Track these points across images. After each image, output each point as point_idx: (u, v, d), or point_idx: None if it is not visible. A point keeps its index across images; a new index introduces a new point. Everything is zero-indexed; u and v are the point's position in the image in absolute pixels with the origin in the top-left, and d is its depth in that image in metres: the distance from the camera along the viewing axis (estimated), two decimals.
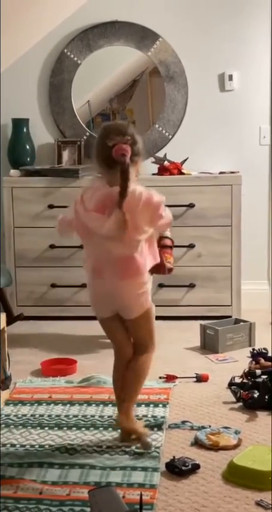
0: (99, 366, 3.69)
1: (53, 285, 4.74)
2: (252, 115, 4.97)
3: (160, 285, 4.63)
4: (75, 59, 4.99)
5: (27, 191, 4.71)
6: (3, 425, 3.01)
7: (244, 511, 2.31)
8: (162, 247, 3.81)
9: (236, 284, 4.66)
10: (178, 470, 2.55)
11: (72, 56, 4.99)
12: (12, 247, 4.73)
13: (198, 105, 4.98)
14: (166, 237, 3.85)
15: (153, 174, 4.80)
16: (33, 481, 2.49)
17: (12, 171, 4.81)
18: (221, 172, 4.77)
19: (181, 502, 2.37)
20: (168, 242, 3.81)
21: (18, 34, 4.89)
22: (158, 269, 3.81)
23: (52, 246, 4.70)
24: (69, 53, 4.99)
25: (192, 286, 4.66)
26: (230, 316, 4.45)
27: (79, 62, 5.00)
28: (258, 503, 2.34)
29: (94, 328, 4.02)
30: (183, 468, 2.55)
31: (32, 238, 4.72)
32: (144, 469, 2.58)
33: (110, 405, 3.20)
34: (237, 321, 4.26)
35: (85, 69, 5.00)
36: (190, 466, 2.56)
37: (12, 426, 3.01)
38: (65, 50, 4.99)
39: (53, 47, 5.02)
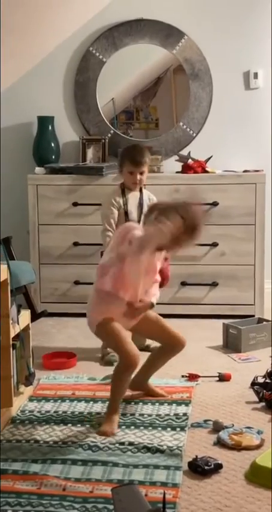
0: None
1: (77, 282, 4.76)
2: None
3: (183, 284, 4.64)
4: (101, 57, 5.00)
5: (51, 189, 4.73)
6: (27, 421, 3.04)
7: (266, 510, 2.31)
8: (165, 258, 3.82)
9: (259, 283, 4.65)
10: (200, 469, 2.55)
11: (97, 54, 5.00)
12: (36, 244, 4.76)
13: (222, 103, 4.98)
14: None
15: (177, 172, 4.80)
16: (57, 477, 2.51)
17: (37, 169, 4.83)
18: (245, 171, 4.76)
19: (203, 502, 2.37)
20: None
21: (45, 33, 4.91)
22: (163, 280, 3.84)
23: (76, 244, 4.72)
24: (94, 51, 5.00)
25: (214, 284, 4.65)
26: (253, 316, 4.44)
27: (104, 60, 5.01)
28: None
29: None
30: (206, 468, 2.55)
31: (56, 236, 4.74)
32: (166, 467, 2.59)
33: (132, 403, 3.21)
34: (260, 320, 4.24)
35: (110, 67, 5.01)
36: (212, 466, 2.56)
37: (35, 422, 3.03)
38: (90, 48, 5.01)
39: (78, 46, 5.04)
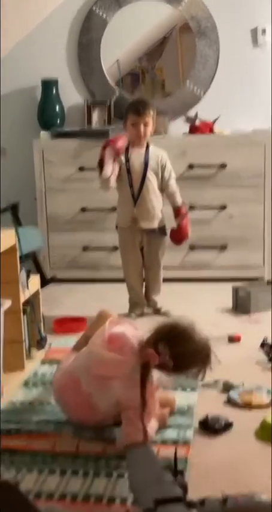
0: None
1: (85, 248, 4.80)
2: None
3: (191, 247, 4.67)
4: (104, 16, 4.99)
5: (57, 153, 4.74)
6: (39, 384, 3.13)
7: None
8: (181, 217, 3.87)
9: (268, 245, 4.67)
10: (211, 428, 2.61)
11: (100, 13, 4.99)
12: (44, 210, 4.78)
13: (229, 62, 4.97)
14: (181, 206, 3.91)
15: (184, 134, 4.81)
16: (71, 437, 2.60)
17: (43, 133, 4.83)
18: (254, 130, 4.74)
19: (215, 459, 2.43)
20: (185, 210, 3.87)
21: None
22: (179, 238, 3.89)
23: (83, 209, 4.76)
24: (97, 10, 4.98)
25: (223, 247, 4.69)
26: (263, 278, 4.48)
27: (107, 19, 4.99)
28: None
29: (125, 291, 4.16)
30: (216, 426, 2.61)
31: (63, 202, 4.76)
32: (178, 426, 2.65)
33: None
34: (269, 282, 4.28)
35: (113, 27, 5.00)
36: (223, 424, 2.62)
37: (48, 385, 3.10)
38: (93, 8, 4.99)
39: (81, 4, 5.01)
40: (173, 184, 3.92)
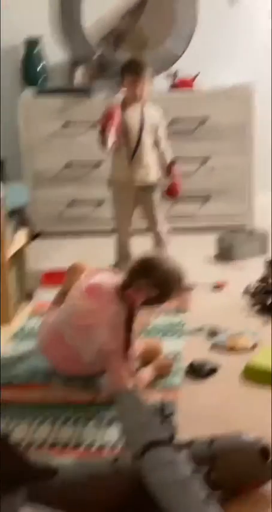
0: None
1: (71, 203, 4.72)
2: (263, 25, 4.84)
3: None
4: None
5: (41, 110, 4.64)
6: (28, 337, 3.03)
7: (261, 409, 2.34)
8: (172, 173, 3.78)
9: (250, 195, 4.64)
10: (198, 372, 2.58)
11: None
12: (29, 166, 4.69)
13: (208, 19, 4.81)
14: (174, 162, 3.80)
15: (166, 90, 4.69)
16: (60, 386, 2.55)
17: (26, 91, 4.72)
18: (233, 85, 4.64)
19: (202, 402, 2.41)
20: (175, 166, 3.78)
21: None
22: (173, 193, 3.81)
23: (68, 165, 4.66)
24: None
25: (206, 198, 4.61)
26: (245, 226, 4.44)
27: None
28: None
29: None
30: (203, 371, 2.58)
31: (48, 157, 4.67)
32: None
33: None
34: (252, 231, 4.25)
35: None
36: (209, 368, 2.60)
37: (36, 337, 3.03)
38: None
39: None
40: (165, 142, 3.84)
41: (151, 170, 3.79)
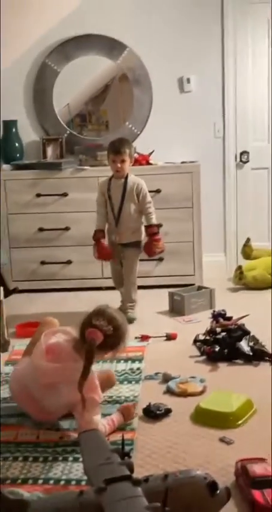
0: None
1: (43, 262, 4.70)
2: (207, 112, 4.96)
3: None
4: (55, 67, 4.92)
5: (17, 183, 4.65)
6: (3, 382, 3.00)
7: (210, 446, 2.33)
8: (150, 235, 3.85)
9: (198, 257, 4.67)
10: (153, 414, 2.56)
11: (52, 65, 4.92)
12: (6, 231, 4.67)
13: (161, 105, 4.95)
14: (152, 225, 3.87)
15: None
16: (31, 428, 2.50)
17: (4, 166, 4.74)
18: (183, 162, 4.75)
19: (156, 441, 2.38)
20: (154, 229, 3.84)
21: (4, 48, 4.81)
22: (148, 252, 3.87)
23: (40, 229, 4.66)
24: (49, 63, 4.92)
25: (160, 260, 4.63)
26: (194, 284, 4.46)
27: (58, 70, 4.93)
28: (221, 440, 2.37)
29: (82, 298, 4.07)
30: (158, 412, 2.56)
31: (23, 223, 4.67)
32: None
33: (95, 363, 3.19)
34: (199, 288, 4.26)
35: (64, 77, 4.93)
36: (163, 411, 2.57)
37: None
38: (46, 60, 4.92)
39: (35, 58, 4.94)
40: (148, 208, 3.88)
41: (132, 232, 3.86)
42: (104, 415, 2.55)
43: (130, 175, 3.90)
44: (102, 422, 2.39)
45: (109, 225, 3.92)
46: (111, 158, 3.83)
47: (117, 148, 3.80)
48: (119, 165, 3.80)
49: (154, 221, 3.89)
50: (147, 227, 3.89)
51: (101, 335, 2.37)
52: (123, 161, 3.80)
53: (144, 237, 3.94)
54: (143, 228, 3.92)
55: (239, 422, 2.48)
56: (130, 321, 3.71)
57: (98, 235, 3.91)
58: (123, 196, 3.84)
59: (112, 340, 2.42)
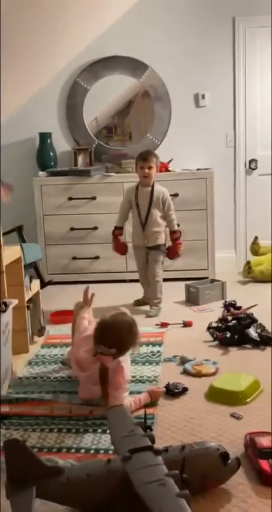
0: None
1: (74, 258, 4.72)
2: (220, 125, 4.93)
3: None
4: (85, 85, 4.94)
5: (52, 188, 4.67)
6: (40, 363, 3.04)
7: (222, 421, 2.33)
8: (173, 240, 3.84)
9: (211, 253, 4.65)
10: (172, 392, 2.56)
11: (82, 83, 4.93)
12: (42, 230, 4.70)
13: (179, 118, 4.93)
14: (175, 231, 3.86)
15: None
16: (65, 403, 2.52)
17: (40, 173, 4.77)
18: (198, 169, 4.74)
19: (175, 415, 2.39)
20: (177, 234, 3.83)
21: (41, 68, 4.84)
22: (172, 254, 3.85)
23: (72, 229, 4.69)
24: (80, 81, 4.93)
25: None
26: (207, 277, 4.45)
27: (88, 88, 4.94)
28: (232, 415, 2.37)
29: (106, 290, 4.09)
30: (175, 390, 2.57)
31: (57, 223, 4.69)
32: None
33: None
34: (212, 281, 4.25)
35: (93, 94, 4.94)
36: (180, 389, 2.58)
37: (47, 363, 3.03)
38: (77, 79, 4.93)
39: (68, 77, 4.95)
40: (171, 215, 3.87)
41: (157, 236, 3.83)
42: (130, 392, 2.58)
43: (156, 184, 3.88)
44: (129, 399, 2.41)
45: (136, 229, 3.88)
46: (140, 165, 3.80)
47: (145, 156, 3.80)
48: (147, 170, 3.77)
49: (176, 227, 3.89)
50: (172, 232, 3.88)
51: (109, 357, 2.40)
52: (150, 168, 3.78)
53: (165, 239, 3.91)
54: (166, 232, 3.90)
55: (248, 400, 2.48)
56: (151, 316, 3.72)
57: (116, 232, 3.91)
58: (150, 203, 3.81)
59: (123, 351, 2.43)
